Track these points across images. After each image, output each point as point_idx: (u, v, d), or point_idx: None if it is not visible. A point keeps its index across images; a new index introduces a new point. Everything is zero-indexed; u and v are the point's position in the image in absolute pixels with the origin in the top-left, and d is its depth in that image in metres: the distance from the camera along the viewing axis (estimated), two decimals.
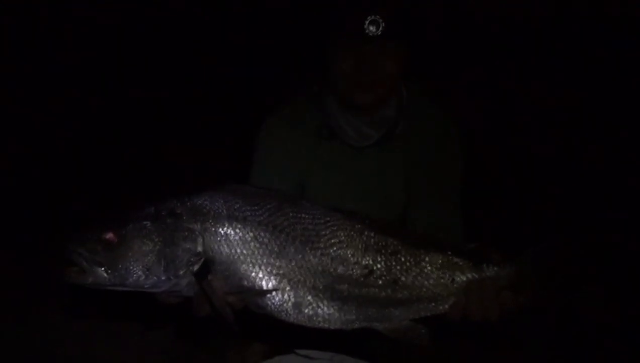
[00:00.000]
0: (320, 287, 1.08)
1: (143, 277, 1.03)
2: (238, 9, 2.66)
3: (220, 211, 1.08)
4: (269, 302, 1.08)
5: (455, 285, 1.12)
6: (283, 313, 1.08)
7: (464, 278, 1.12)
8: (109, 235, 1.03)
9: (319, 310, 1.09)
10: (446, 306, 1.12)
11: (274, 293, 1.07)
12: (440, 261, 1.12)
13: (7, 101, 2.08)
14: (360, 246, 1.11)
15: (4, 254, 1.93)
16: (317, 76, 1.41)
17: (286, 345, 1.30)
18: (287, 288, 1.08)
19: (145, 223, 1.05)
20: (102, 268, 1.02)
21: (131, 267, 1.03)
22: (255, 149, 1.41)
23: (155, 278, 1.04)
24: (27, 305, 1.87)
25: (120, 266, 1.02)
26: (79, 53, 2.32)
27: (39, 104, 2.11)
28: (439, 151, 1.42)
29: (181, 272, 1.05)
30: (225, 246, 1.07)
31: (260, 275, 1.07)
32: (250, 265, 1.07)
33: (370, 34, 1.22)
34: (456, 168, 1.44)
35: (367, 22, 1.21)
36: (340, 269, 1.09)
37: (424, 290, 1.12)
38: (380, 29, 1.21)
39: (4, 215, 1.94)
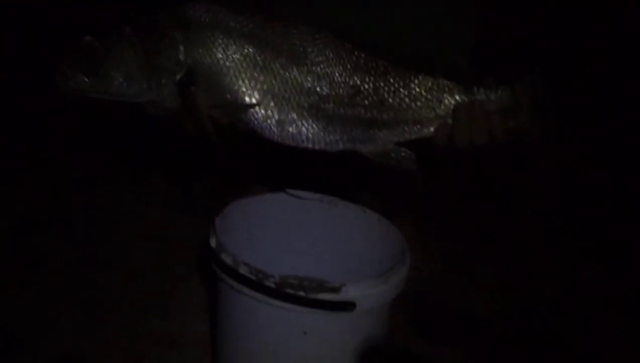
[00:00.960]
0: (305, 105, 1.05)
1: (125, 85, 1.01)
2: None
3: (203, 19, 1.04)
4: (252, 118, 1.05)
5: (442, 107, 1.08)
6: (267, 130, 1.06)
7: (452, 100, 1.08)
8: (88, 38, 1.00)
9: (303, 129, 1.06)
10: (431, 129, 1.09)
11: (257, 108, 1.05)
12: (429, 83, 1.08)
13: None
14: (348, 66, 1.06)
15: None
16: None
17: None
18: (271, 105, 1.05)
19: (125, 29, 1.02)
20: (83, 74, 0.99)
21: (112, 73, 1.00)
22: None
23: (137, 86, 1.01)
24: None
25: (100, 71, 0.99)
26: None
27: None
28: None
29: (163, 81, 1.02)
30: (207, 56, 1.03)
31: (243, 90, 1.04)
32: (234, 78, 1.04)
33: None
34: (470, 26, 1.33)
35: None
36: (326, 88, 1.05)
37: (411, 111, 1.08)
38: None
39: None
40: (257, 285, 0.94)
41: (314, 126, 1.07)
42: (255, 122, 1.05)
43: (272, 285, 0.93)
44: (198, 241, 1.32)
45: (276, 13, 1.08)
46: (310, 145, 1.08)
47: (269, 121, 1.05)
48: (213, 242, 1.00)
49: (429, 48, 1.24)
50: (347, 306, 0.95)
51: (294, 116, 1.06)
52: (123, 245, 1.49)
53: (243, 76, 1.04)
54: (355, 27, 1.10)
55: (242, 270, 0.95)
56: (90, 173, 1.80)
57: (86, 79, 0.99)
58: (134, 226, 1.57)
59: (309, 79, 1.05)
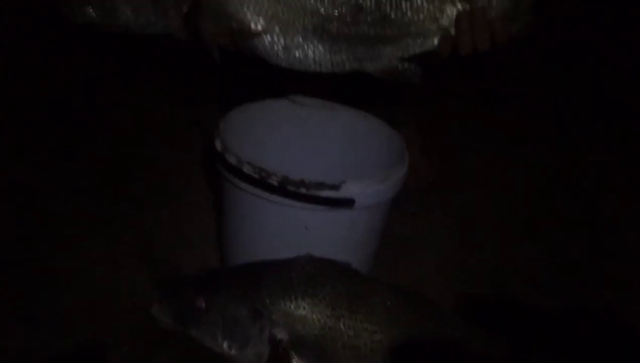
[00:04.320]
0: (310, 28, 1.06)
1: (132, 18, 1.03)
2: None
3: None
4: (260, 45, 1.07)
5: (444, 18, 1.09)
6: (273, 55, 1.08)
7: (454, 10, 1.08)
8: None
9: (309, 52, 1.08)
10: (435, 41, 1.10)
11: (263, 35, 1.06)
12: None
13: None
14: None
15: None
16: None
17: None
18: (277, 30, 1.06)
19: None
20: (92, 7, 1.02)
21: (119, 7, 1.03)
22: None
23: (144, 18, 1.04)
24: None
25: (108, 5, 1.02)
26: None
27: None
28: None
29: (171, 13, 1.04)
30: None
31: (248, 17, 1.05)
32: (239, 5, 1.05)
33: None
34: None
35: None
36: (329, 8, 1.06)
37: (413, 25, 1.09)
38: None
39: None
40: (260, 183, 0.98)
41: (319, 48, 1.08)
42: (262, 48, 1.07)
43: (275, 183, 0.97)
44: (201, 141, 1.36)
45: None
46: (317, 68, 1.09)
47: (275, 47, 1.07)
48: (218, 144, 1.05)
49: None
50: (346, 203, 0.99)
51: (300, 39, 1.07)
52: (126, 142, 1.57)
53: (247, 3, 1.05)
54: None
55: (246, 169, 0.99)
56: (94, 71, 1.84)
57: (94, 13, 1.03)
58: (137, 124, 1.64)
59: (312, 0, 1.06)
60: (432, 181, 1.65)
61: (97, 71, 1.83)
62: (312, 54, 1.08)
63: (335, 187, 0.98)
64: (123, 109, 1.71)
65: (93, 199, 1.35)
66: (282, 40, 1.07)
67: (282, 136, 1.21)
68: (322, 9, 1.06)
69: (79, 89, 1.76)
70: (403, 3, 1.08)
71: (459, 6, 1.08)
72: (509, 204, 1.62)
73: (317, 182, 0.98)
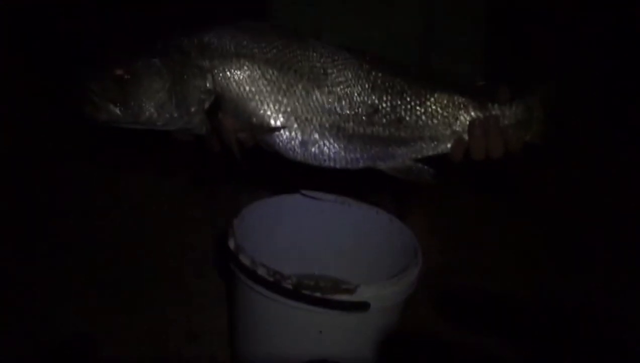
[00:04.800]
0: (327, 126, 1.09)
1: (155, 114, 1.05)
2: None
3: (228, 48, 1.08)
4: (277, 140, 1.10)
5: (458, 124, 1.12)
6: (290, 151, 1.10)
7: (467, 117, 1.11)
8: (119, 72, 1.03)
9: (325, 148, 1.10)
10: (448, 145, 1.12)
11: (281, 131, 1.09)
12: (445, 100, 1.11)
13: None
14: (366, 85, 1.11)
15: None
16: None
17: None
18: (295, 126, 1.09)
19: (154, 60, 1.05)
20: (115, 105, 1.03)
21: (143, 104, 1.04)
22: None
23: (167, 115, 1.05)
24: None
25: (132, 103, 1.04)
26: None
27: None
28: None
29: (193, 110, 1.06)
30: (234, 83, 1.08)
31: (269, 113, 1.09)
32: (259, 102, 1.08)
33: None
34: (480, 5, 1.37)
35: None
36: (346, 107, 1.09)
37: (427, 129, 1.12)
38: None
39: None
40: (275, 286, 0.98)
41: (335, 145, 1.10)
42: (280, 143, 1.10)
43: (289, 287, 0.97)
44: (214, 234, 1.36)
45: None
46: (332, 164, 1.11)
47: (292, 143, 1.10)
48: (232, 244, 1.05)
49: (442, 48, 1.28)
50: (361, 306, 0.98)
51: (316, 136, 1.10)
52: (137, 230, 1.58)
53: (268, 100, 1.09)
54: (366, 31, 1.18)
55: (260, 272, 0.99)
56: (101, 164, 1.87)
57: (118, 111, 1.04)
58: (148, 213, 1.66)
59: (329, 100, 1.10)
60: (441, 263, 1.64)
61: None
62: (327, 150, 1.10)
63: (350, 291, 0.98)
64: (136, 201, 1.73)
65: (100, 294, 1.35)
66: (299, 136, 1.09)
67: (295, 232, 1.22)
68: (339, 108, 1.09)
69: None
70: (417, 107, 1.11)
71: (473, 113, 1.11)
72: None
73: (332, 286, 0.98)
